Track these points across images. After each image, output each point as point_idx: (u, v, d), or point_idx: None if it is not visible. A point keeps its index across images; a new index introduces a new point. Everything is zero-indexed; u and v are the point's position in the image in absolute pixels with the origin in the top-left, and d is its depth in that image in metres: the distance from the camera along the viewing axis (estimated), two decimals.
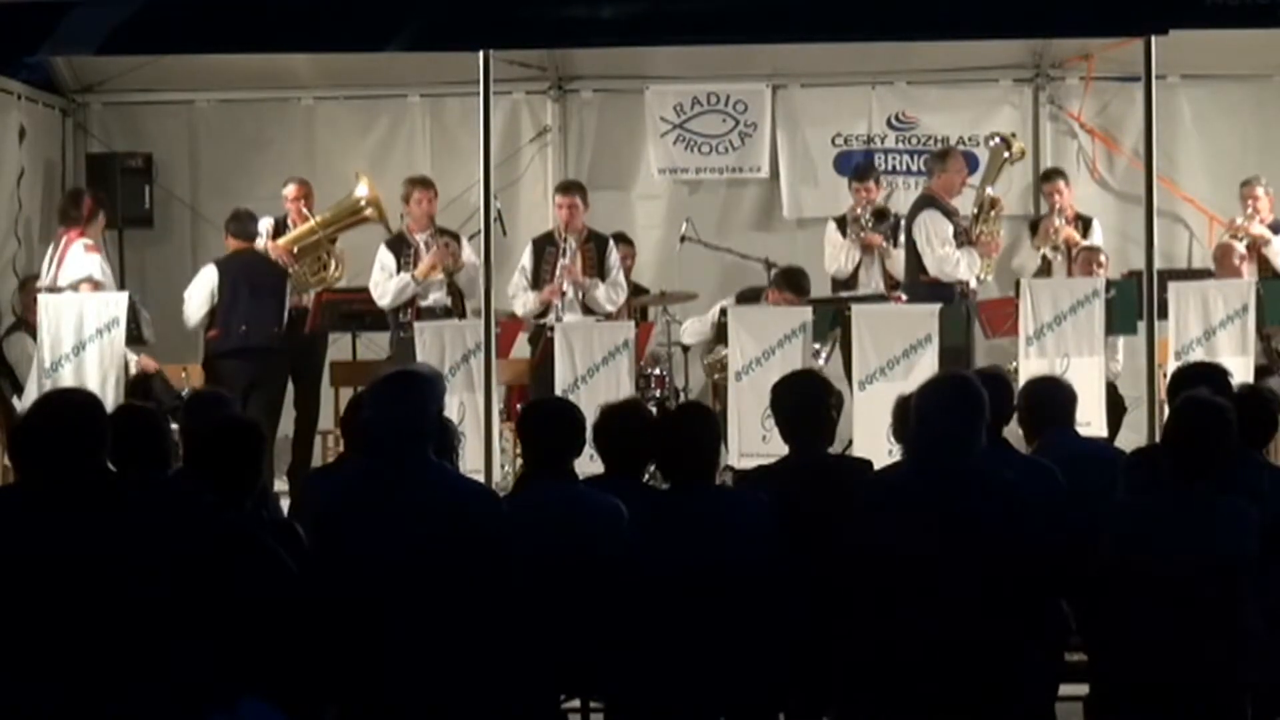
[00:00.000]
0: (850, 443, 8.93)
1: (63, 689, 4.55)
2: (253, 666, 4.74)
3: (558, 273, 10.09)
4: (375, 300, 10.18)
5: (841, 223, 10.81)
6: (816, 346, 9.54)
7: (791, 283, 10.21)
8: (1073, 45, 11.21)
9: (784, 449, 5.69)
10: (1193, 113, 11.50)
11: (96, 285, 9.92)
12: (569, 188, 10.39)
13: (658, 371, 10.24)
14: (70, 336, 9.51)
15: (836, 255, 10.76)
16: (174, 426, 6.10)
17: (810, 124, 11.77)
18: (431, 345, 9.41)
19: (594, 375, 9.38)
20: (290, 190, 10.77)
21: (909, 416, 5.15)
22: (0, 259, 10.91)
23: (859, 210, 10.73)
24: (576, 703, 5.64)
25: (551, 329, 9.62)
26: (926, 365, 8.96)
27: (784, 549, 5.10)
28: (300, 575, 4.90)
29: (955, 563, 4.80)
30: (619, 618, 5.09)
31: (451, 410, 8.36)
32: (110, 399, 9.26)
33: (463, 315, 9.96)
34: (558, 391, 9.17)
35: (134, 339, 9.75)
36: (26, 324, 10.06)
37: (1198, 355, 9.06)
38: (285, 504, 6.66)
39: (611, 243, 10.39)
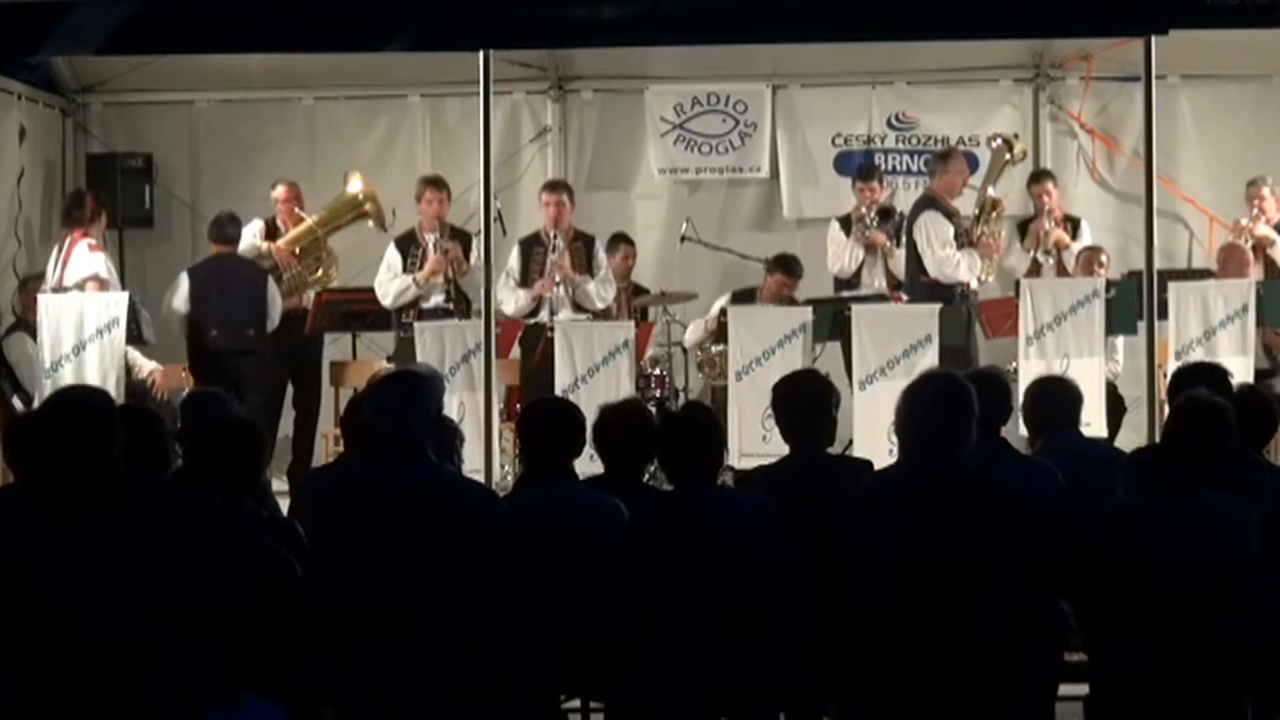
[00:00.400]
0: (850, 443, 8.94)
1: (62, 688, 4.55)
2: (253, 666, 4.74)
3: (548, 268, 10.10)
4: (379, 298, 10.20)
5: (845, 222, 10.81)
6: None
7: (785, 266, 10.47)
8: (1073, 45, 11.21)
9: (784, 449, 5.69)
10: (1193, 113, 11.50)
11: (103, 284, 9.94)
12: (556, 186, 10.41)
13: (658, 371, 10.25)
14: (70, 336, 9.52)
15: (839, 254, 10.76)
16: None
17: (810, 124, 11.77)
18: (431, 345, 9.41)
19: (594, 375, 9.39)
20: (280, 192, 10.77)
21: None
22: (0, 259, 10.91)
23: (863, 210, 10.74)
24: (576, 703, 5.64)
25: (551, 329, 9.63)
26: (926, 365, 8.95)
27: (786, 549, 5.10)
28: (300, 574, 4.90)
29: (951, 562, 4.80)
30: (619, 618, 5.08)
31: (451, 410, 8.37)
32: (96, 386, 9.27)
33: (467, 317, 9.96)
34: (558, 391, 9.18)
35: (134, 339, 9.75)
36: (26, 324, 10.06)
37: (1198, 355, 9.06)
38: (285, 503, 6.66)
39: (598, 241, 10.41)
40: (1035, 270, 10.58)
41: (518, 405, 9.55)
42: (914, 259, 10.08)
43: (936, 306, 9.51)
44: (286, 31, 8.33)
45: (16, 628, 4.62)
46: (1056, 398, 6.20)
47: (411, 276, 10.10)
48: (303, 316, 10.41)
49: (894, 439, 5.92)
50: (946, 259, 9.91)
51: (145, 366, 9.98)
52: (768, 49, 10.93)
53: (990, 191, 10.38)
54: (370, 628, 4.77)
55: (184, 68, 11.13)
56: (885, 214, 10.65)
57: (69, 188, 11.62)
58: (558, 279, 10.10)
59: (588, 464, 5.57)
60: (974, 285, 10.08)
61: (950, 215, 10.07)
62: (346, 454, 6.37)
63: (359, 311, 10.53)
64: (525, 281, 10.18)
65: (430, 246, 10.15)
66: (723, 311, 9.94)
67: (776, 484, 5.43)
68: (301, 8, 8.27)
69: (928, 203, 10.14)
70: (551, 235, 10.20)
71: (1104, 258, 10.29)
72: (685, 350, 10.83)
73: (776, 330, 9.43)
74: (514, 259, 10.23)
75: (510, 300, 10.11)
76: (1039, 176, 10.89)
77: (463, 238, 10.22)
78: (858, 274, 10.72)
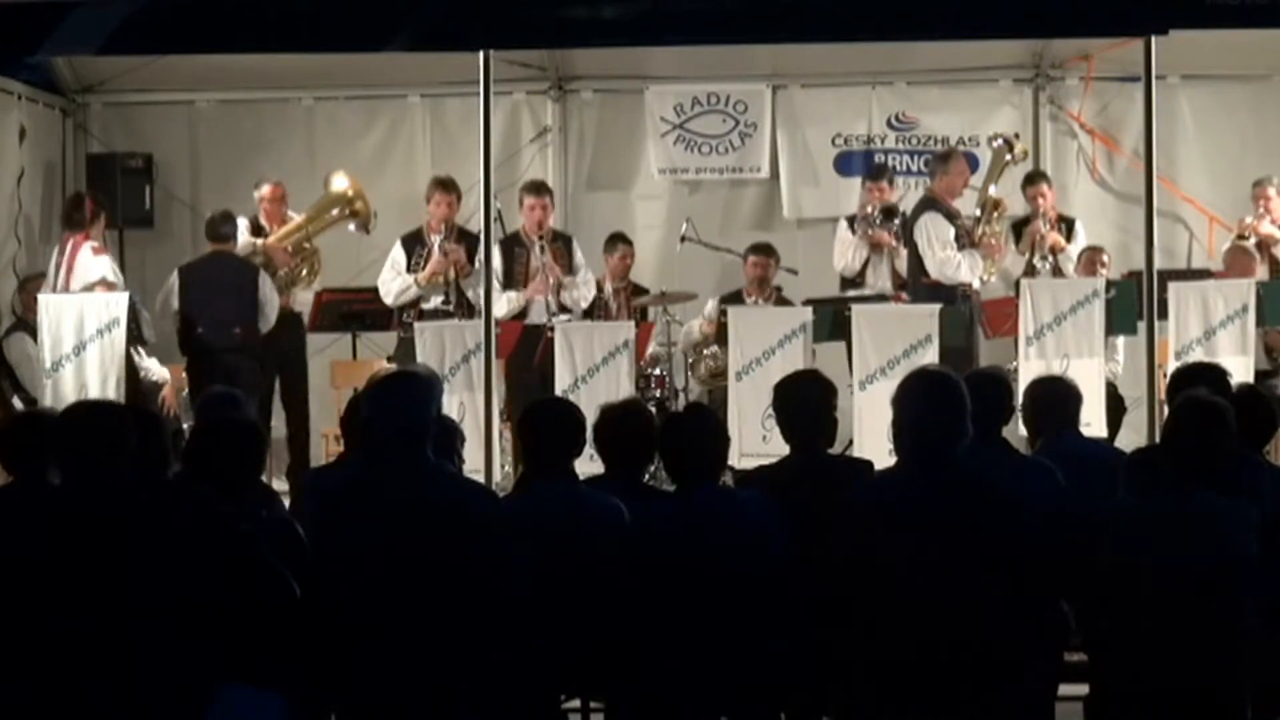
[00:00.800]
0: (850, 443, 8.94)
1: (61, 686, 4.56)
2: (253, 665, 4.74)
3: (536, 270, 10.09)
4: (381, 295, 10.21)
5: (853, 221, 10.82)
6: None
7: (756, 248, 10.66)
8: (1073, 45, 11.21)
9: (784, 449, 5.69)
10: (1193, 113, 11.50)
11: (110, 287, 9.95)
12: (541, 189, 10.41)
13: (658, 371, 10.25)
14: (70, 336, 9.51)
15: (845, 253, 10.77)
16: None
17: (810, 124, 11.77)
18: (431, 345, 9.41)
19: (594, 375, 9.39)
20: (265, 190, 10.73)
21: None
22: (0, 259, 10.91)
23: (868, 209, 10.74)
24: (576, 703, 5.64)
25: (551, 329, 9.63)
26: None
27: (787, 550, 5.10)
28: (300, 574, 4.90)
29: (951, 562, 4.80)
30: (619, 618, 5.09)
31: (451, 410, 8.38)
32: (111, 399, 9.27)
33: (469, 318, 9.97)
34: (558, 391, 9.18)
35: (134, 339, 9.75)
36: (26, 324, 10.06)
37: (1198, 355, 9.06)
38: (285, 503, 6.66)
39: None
40: (1031, 273, 10.57)
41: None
42: (915, 260, 10.09)
43: (936, 306, 9.51)
44: (286, 31, 8.33)
45: (17, 626, 4.63)
46: (1056, 398, 6.20)
47: (413, 277, 10.11)
48: (289, 316, 10.40)
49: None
50: (947, 260, 9.91)
51: (155, 373, 9.99)
52: (768, 49, 10.94)
53: (991, 191, 10.38)
54: (370, 627, 4.77)
55: (184, 68, 11.12)
56: (888, 213, 10.64)
57: (69, 188, 11.62)
58: (551, 281, 10.10)
59: (588, 464, 5.57)
60: (976, 285, 10.08)
61: (951, 216, 10.06)
62: (346, 454, 6.37)
63: (359, 311, 10.53)
64: (509, 283, 10.16)
65: (435, 247, 10.15)
66: (723, 312, 9.94)
67: (776, 484, 5.43)
68: (301, 8, 8.27)
69: (929, 204, 10.14)
70: (536, 238, 10.20)
71: (1105, 257, 10.29)
72: (687, 352, 10.83)
73: (776, 330, 9.43)
74: (496, 260, 10.17)
75: (500, 303, 10.06)
76: (1034, 178, 10.88)
77: (468, 239, 10.21)
78: (862, 273, 10.72)
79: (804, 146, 11.77)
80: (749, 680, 5.03)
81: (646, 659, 5.03)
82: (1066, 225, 10.78)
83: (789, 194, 11.77)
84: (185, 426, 9.49)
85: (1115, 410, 9.63)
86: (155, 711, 4.63)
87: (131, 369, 9.74)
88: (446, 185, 10.30)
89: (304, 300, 10.56)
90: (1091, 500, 5.41)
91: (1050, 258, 10.57)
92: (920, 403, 4.96)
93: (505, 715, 4.91)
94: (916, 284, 10.09)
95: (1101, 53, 11.04)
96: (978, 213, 10.26)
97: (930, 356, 9.13)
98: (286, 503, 6.44)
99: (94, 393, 9.34)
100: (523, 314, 10.15)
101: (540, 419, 5.55)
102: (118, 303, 9.61)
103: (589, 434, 5.53)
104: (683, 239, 10.98)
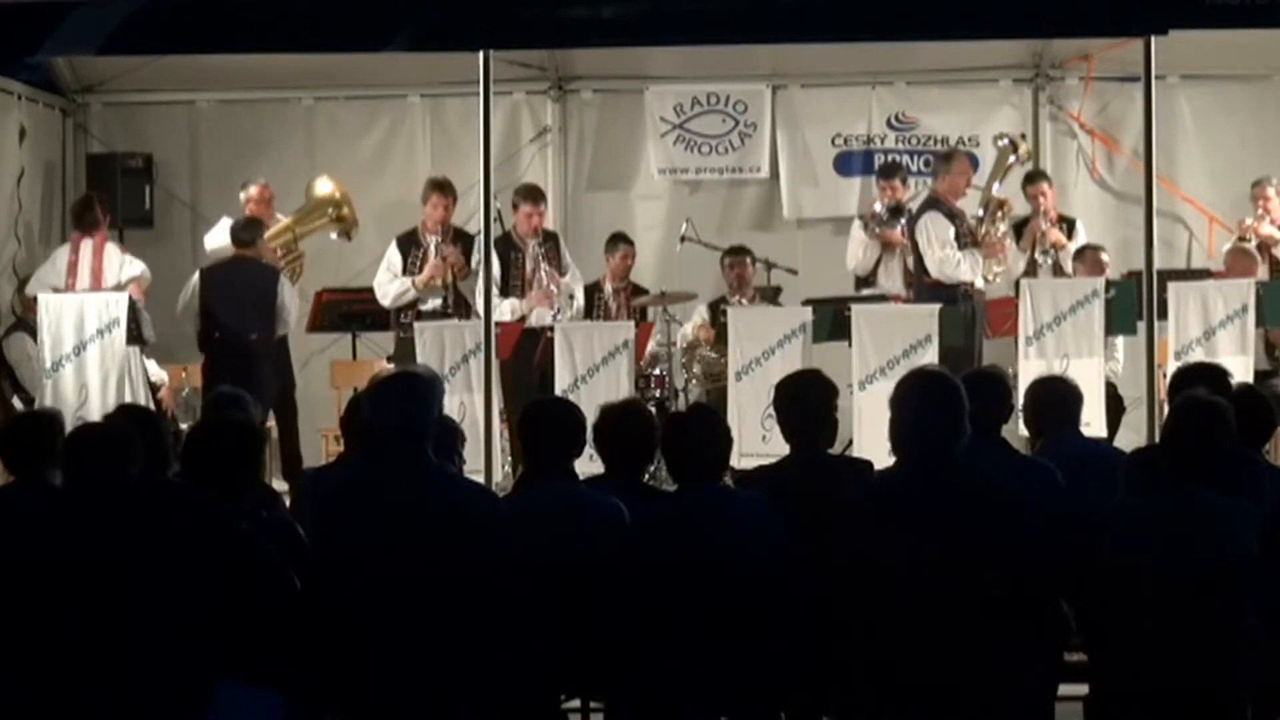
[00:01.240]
0: (850, 442, 8.94)
1: (61, 685, 4.56)
2: (253, 664, 4.74)
3: (538, 280, 10.08)
4: (377, 297, 10.19)
5: (866, 220, 10.82)
6: None
7: (732, 251, 10.68)
8: (1073, 45, 11.21)
9: (784, 449, 5.69)
10: (1193, 113, 11.50)
11: (141, 285, 10.02)
12: (539, 196, 10.39)
13: (658, 371, 10.25)
14: (71, 336, 9.51)
15: (856, 252, 10.76)
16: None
17: (810, 124, 11.77)
18: (431, 345, 9.41)
19: (594, 375, 9.39)
20: (254, 191, 10.72)
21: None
22: (0, 259, 10.91)
23: (876, 208, 10.74)
24: (576, 703, 5.64)
25: (551, 330, 9.62)
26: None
27: (788, 550, 5.10)
28: (300, 574, 4.90)
29: (950, 563, 4.80)
30: (620, 618, 5.09)
31: (451, 410, 8.37)
32: (111, 399, 9.28)
33: (467, 319, 9.97)
34: (558, 391, 9.18)
35: (134, 339, 9.75)
36: (26, 324, 10.06)
37: (1198, 355, 9.06)
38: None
39: (562, 239, 10.47)
40: (1032, 270, 10.57)
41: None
42: (917, 259, 10.10)
43: (936, 306, 9.51)
44: (286, 31, 8.33)
45: (17, 626, 4.63)
46: (1056, 398, 6.20)
47: (410, 279, 10.09)
48: None
49: None
50: (946, 259, 9.91)
51: (153, 374, 10.01)
52: (768, 49, 10.93)
53: (995, 190, 10.36)
54: (370, 627, 4.77)
55: (184, 68, 11.12)
56: (895, 212, 10.64)
57: (69, 188, 11.62)
58: (555, 290, 10.10)
59: (588, 464, 5.57)
60: (978, 285, 10.07)
61: (953, 216, 10.06)
62: (346, 454, 6.37)
63: (359, 312, 10.53)
64: (505, 289, 10.11)
65: (431, 249, 10.14)
66: (722, 312, 9.95)
67: (777, 484, 5.43)
68: (301, 8, 8.27)
69: (931, 204, 10.15)
70: (529, 242, 10.19)
71: (1105, 256, 10.29)
72: (682, 352, 10.84)
73: (776, 330, 9.43)
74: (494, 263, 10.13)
75: (501, 311, 10.02)
76: (1034, 177, 10.88)
77: (464, 240, 10.21)
78: (874, 272, 10.71)
79: (804, 146, 11.77)
80: (749, 680, 5.03)
81: (646, 659, 5.03)
82: (1067, 225, 10.78)
83: (789, 194, 11.77)
84: (184, 427, 9.50)
85: (1114, 410, 9.63)
86: (155, 710, 4.64)
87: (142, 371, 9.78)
88: (443, 187, 10.28)
89: None
90: (1091, 500, 5.41)
91: (1051, 253, 10.56)
92: (918, 403, 4.96)
93: (505, 715, 4.91)
94: (919, 283, 10.11)
95: (1101, 53, 11.04)
96: (980, 213, 10.25)
97: (930, 356, 9.13)
98: (287, 502, 6.45)
99: (94, 393, 9.36)
100: (521, 319, 10.13)
101: (540, 419, 5.56)
102: (118, 303, 9.61)
103: (589, 434, 5.53)
104: (683, 239, 10.98)
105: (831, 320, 9.58)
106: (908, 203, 10.75)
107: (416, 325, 9.70)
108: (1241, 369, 8.82)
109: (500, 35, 8.41)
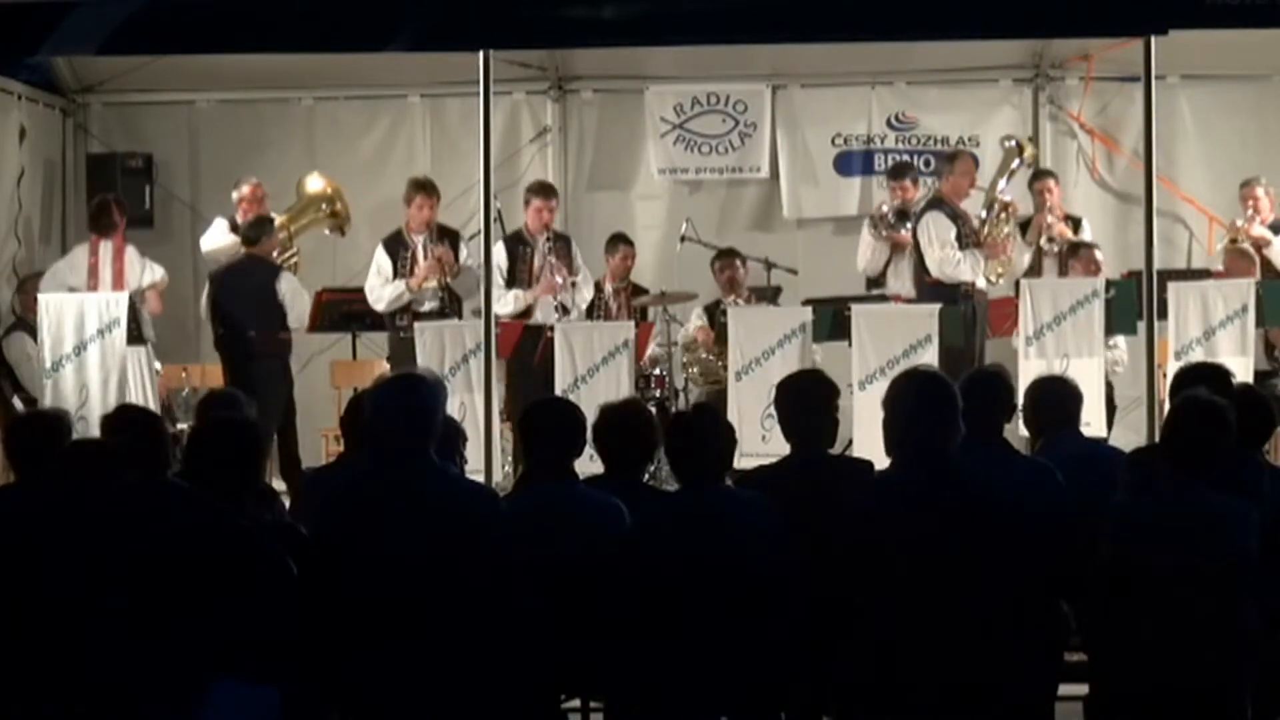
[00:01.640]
0: (850, 442, 8.94)
1: (59, 682, 4.56)
2: (251, 660, 4.74)
3: (546, 271, 10.08)
4: (370, 303, 10.17)
5: (873, 221, 10.83)
6: None
7: (722, 254, 10.68)
8: (1073, 45, 11.21)
9: (784, 449, 5.69)
10: (1193, 113, 11.50)
11: (158, 289, 10.04)
12: (550, 191, 10.40)
13: (658, 371, 10.25)
14: (71, 336, 9.52)
15: (865, 254, 10.77)
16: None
17: (810, 124, 11.78)
18: (431, 346, 9.41)
19: (594, 375, 9.40)
20: (246, 190, 10.70)
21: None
22: (0, 259, 10.91)
23: (884, 209, 10.74)
24: (576, 703, 5.64)
25: (551, 329, 9.63)
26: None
27: (789, 550, 5.10)
28: (301, 574, 4.90)
29: (950, 563, 4.80)
30: (619, 617, 5.08)
31: (452, 410, 8.35)
32: (111, 399, 9.28)
33: (460, 317, 9.97)
34: (558, 391, 9.18)
35: (134, 339, 9.76)
36: (26, 324, 10.07)
37: (1198, 355, 9.06)
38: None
39: (574, 241, 10.47)
40: (1038, 262, 10.55)
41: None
42: (919, 259, 10.10)
43: (936, 306, 9.51)
44: (286, 31, 8.33)
45: (14, 623, 4.63)
46: (1056, 398, 6.19)
47: (404, 282, 10.07)
48: None
49: None
50: (946, 258, 9.92)
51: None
52: (768, 49, 10.93)
53: (999, 190, 10.34)
54: (371, 627, 4.77)
55: (184, 68, 11.13)
56: (901, 214, 10.64)
57: (69, 188, 11.63)
58: (560, 281, 10.10)
59: (588, 464, 5.57)
60: (980, 285, 10.07)
61: (955, 216, 10.06)
62: (347, 454, 6.37)
63: (359, 312, 10.52)
64: (514, 282, 10.15)
65: (419, 249, 10.12)
66: (722, 313, 9.95)
67: (776, 484, 5.42)
68: (301, 8, 8.27)
69: (934, 204, 10.17)
70: (540, 237, 10.20)
71: (1099, 254, 10.28)
72: (682, 351, 10.84)
73: (776, 330, 9.44)
74: (502, 257, 10.15)
75: (506, 301, 10.06)
76: (1041, 174, 10.88)
77: (450, 237, 10.21)
78: (884, 273, 10.72)
79: (804, 146, 11.78)
80: (749, 680, 5.03)
81: (646, 659, 5.03)
82: (1074, 224, 10.79)
83: (789, 194, 11.78)
84: (182, 427, 9.51)
85: (1106, 409, 9.60)
86: (153, 707, 4.64)
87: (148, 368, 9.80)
88: (426, 187, 10.25)
89: None
90: (1091, 500, 5.41)
91: (1059, 240, 10.51)
92: (910, 403, 4.97)
93: (505, 715, 4.91)
94: (920, 283, 10.12)
95: (1101, 53, 11.04)
96: (983, 214, 10.25)
97: (930, 356, 9.13)
98: (287, 502, 6.45)
99: (94, 393, 9.37)
100: (527, 313, 10.14)
101: (540, 419, 5.56)
102: (118, 303, 9.62)
103: (589, 434, 5.53)
104: (683, 239, 10.98)
105: (831, 320, 9.59)
106: (915, 203, 10.76)
107: (416, 326, 9.70)
108: (1241, 369, 8.81)
109: (500, 35, 8.41)
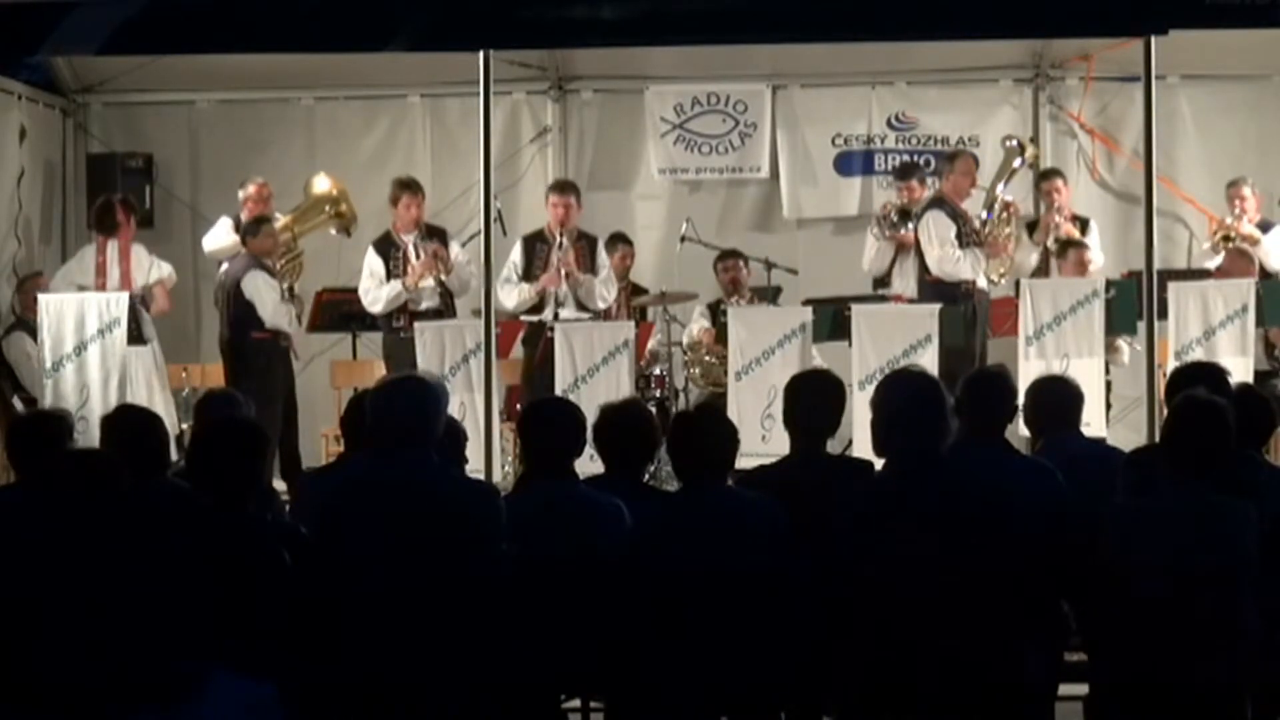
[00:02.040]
0: (850, 442, 8.93)
1: (57, 678, 4.56)
2: (250, 655, 4.74)
3: (554, 264, 10.08)
4: (366, 306, 10.16)
5: (878, 222, 10.83)
6: None
7: (724, 255, 10.70)
8: (1073, 45, 11.21)
9: (784, 449, 5.69)
10: (1193, 113, 11.50)
11: (166, 287, 10.05)
12: (566, 187, 10.39)
13: (658, 371, 10.26)
14: (71, 336, 9.52)
15: (870, 254, 10.76)
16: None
17: (810, 124, 11.78)
18: (431, 346, 9.42)
19: (594, 375, 9.40)
20: (252, 190, 10.68)
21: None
22: (0, 259, 10.91)
23: (888, 209, 10.74)
24: (576, 703, 5.64)
25: (551, 329, 9.63)
26: (927, 365, 8.96)
27: (791, 551, 5.10)
28: (301, 573, 4.90)
29: (950, 564, 4.80)
30: (619, 617, 5.09)
31: (452, 410, 8.35)
32: (112, 399, 9.29)
33: (454, 314, 9.97)
34: (558, 391, 9.18)
35: (134, 339, 9.76)
36: (25, 324, 10.07)
37: (1198, 355, 9.06)
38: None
39: (600, 242, 10.42)
40: (1044, 265, 10.55)
41: (518, 405, 9.56)
42: (920, 258, 10.11)
43: (936, 306, 9.52)
44: (286, 31, 8.33)
45: (14, 618, 4.63)
46: (1057, 398, 6.19)
47: (401, 281, 10.05)
48: None
49: None
50: (946, 256, 9.92)
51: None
52: (768, 49, 10.93)
53: (1000, 191, 10.34)
54: (371, 625, 4.78)
55: (184, 68, 11.12)
56: (904, 214, 10.64)
57: (69, 188, 11.63)
58: (565, 274, 10.09)
59: (588, 464, 5.57)
60: (982, 284, 10.07)
61: (956, 215, 10.07)
62: (346, 454, 6.37)
63: (359, 312, 10.52)
64: (528, 277, 10.16)
65: (411, 248, 10.11)
66: (722, 313, 9.95)
67: (776, 484, 5.42)
68: (301, 8, 8.27)
69: (934, 203, 10.18)
70: (557, 234, 10.19)
71: (1088, 255, 10.28)
72: (685, 351, 10.84)
73: (776, 330, 9.44)
74: (517, 254, 10.19)
75: (513, 295, 10.07)
76: (1048, 174, 10.89)
77: (438, 235, 10.21)
78: (889, 273, 10.72)
79: (804, 146, 11.78)
80: (749, 680, 5.03)
81: (647, 659, 5.03)
82: (1081, 224, 10.79)
83: (789, 194, 11.78)
84: (184, 427, 9.51)
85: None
86: (151, 705, 4.63)
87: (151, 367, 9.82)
88: (413, 187, 10.23)
89: None
90: (1091, 500, 5.41)
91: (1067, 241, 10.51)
92: (901, 404, 4.96)
93: (505, 714, 4.91)
94: (921, 282, 10.13)
95: (1101, 53, 11.03)
96: (984, 214, 10.24)
97: (930, 356, 9.14)
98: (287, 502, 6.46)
99: (95, 393, 9.37)
100: (538, 307, 10.13)
101: (540, 419, 5.56)
102: (118, 302, 9.62)
103: (589, 434, 5.53)
104: (683, 239, 10.98)
105: (831, 320, 9.59)
106: (918, 204, 10.76)
107: (416, 326, 9.69)
108: (1241, 369, 8.82)
109: (500, 35, 8.41)
